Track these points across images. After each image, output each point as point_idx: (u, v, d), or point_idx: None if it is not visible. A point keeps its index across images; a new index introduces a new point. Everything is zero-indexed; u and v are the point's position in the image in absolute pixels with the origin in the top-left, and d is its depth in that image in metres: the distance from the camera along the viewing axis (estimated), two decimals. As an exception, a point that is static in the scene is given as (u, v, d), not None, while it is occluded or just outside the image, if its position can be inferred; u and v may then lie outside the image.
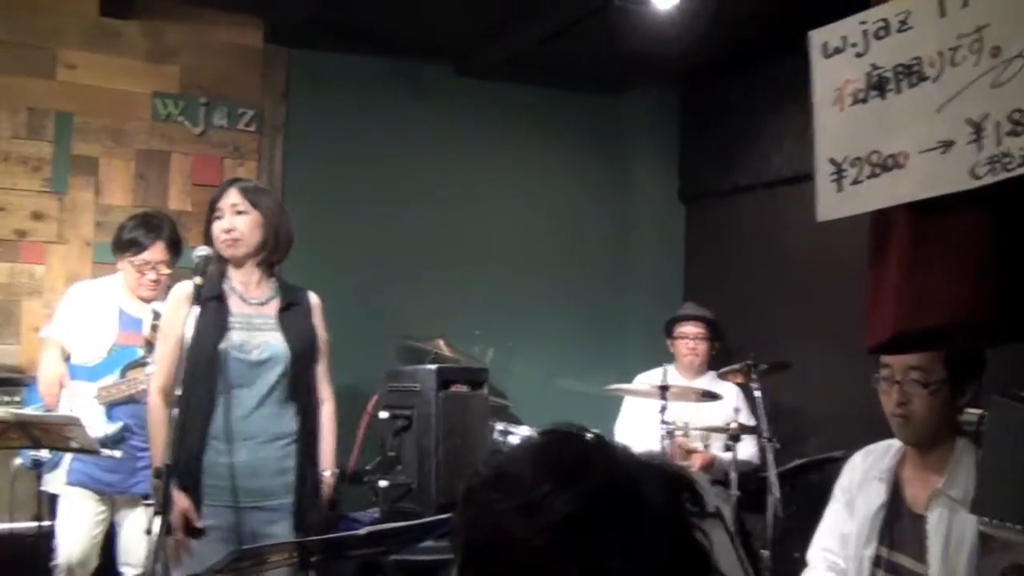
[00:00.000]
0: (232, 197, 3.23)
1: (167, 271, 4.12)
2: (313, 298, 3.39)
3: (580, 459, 1.13)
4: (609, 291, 6.07)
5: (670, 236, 6.27)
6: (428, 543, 3.12)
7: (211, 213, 3.27)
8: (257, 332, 3.19)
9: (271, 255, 3.30)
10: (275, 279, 3.35)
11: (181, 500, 3.05)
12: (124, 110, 5.09)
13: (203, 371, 3.11)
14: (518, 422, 4.92)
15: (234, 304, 3.22)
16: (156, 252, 4.07)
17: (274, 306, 3.28)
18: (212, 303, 3.17)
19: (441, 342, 5.10)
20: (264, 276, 3.30)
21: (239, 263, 3.25)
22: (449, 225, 5.66)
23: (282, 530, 3.16)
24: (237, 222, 3.21)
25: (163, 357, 3.26)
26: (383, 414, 4.68)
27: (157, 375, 3.28)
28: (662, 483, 1.14)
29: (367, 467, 4.84)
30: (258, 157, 5.29)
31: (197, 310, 3.07)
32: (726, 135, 5.89)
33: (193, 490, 3.10)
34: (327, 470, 3.31)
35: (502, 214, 5.83)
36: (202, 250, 3.16)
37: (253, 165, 5.27)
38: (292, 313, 3.29)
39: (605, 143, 6.18)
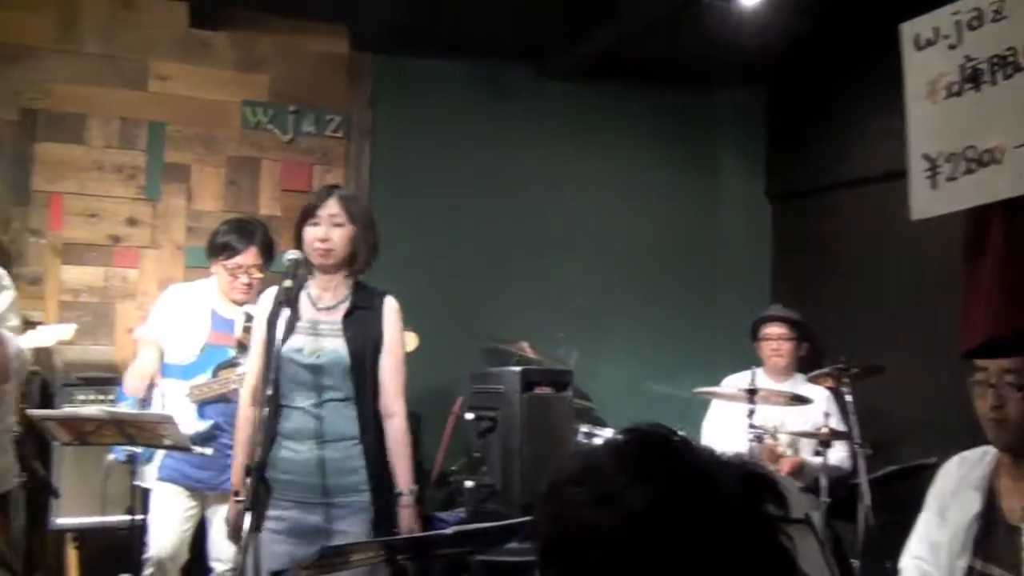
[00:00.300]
0: (332, 207, 3.23)
1: (259, 275, 4.19)
2: (389, 303, 3.35)
3: (658, 454, 1.14)
4: (696, 292, 6.00)
5: (758, 236, 6.17)
6: (514, 544, 3.11)
7: (306, 217, 3.26)
8: (319, 337, 3.23)
9: (357, 267, 3.32)
10: (352, 283, 3.36)
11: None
12: (215, 119, 5.22)
13: (274, 375, 3.17)
14: (603, 424, 4.89)
15: (304, 309, 3.27)
16: (249, 256, 4.15)
17: (342, 310, 3.30)
18: (287, 308, 3.21)
19: (525, 344, 5.11)
20: (344, 282, 3.33)
21: (326, 271, 3.28)
22: (534, 227, 5.66)
23: (350, 527, 3.20)
24: (333, 233, 3.22)
25: (253, 360, 3.34)
26: (468, 415, 4.72)
27: (249, 377, 3.36)
28: (742, 482, 1.13)
29: (453, 468, 4.88)
30: (345, 162, 5.37)
31: (287, 312, 3.11)
32: (815, 132, 5.78)
33: (263, 487, 3.17)
34: (403, 491, 3.24)
35: (587, 215, 5.81)
36: (292, 254, 3.20)
37: (340, 171, 5.35)
38: (359, 318, 3.29)
39: (691, 141, 6.11)
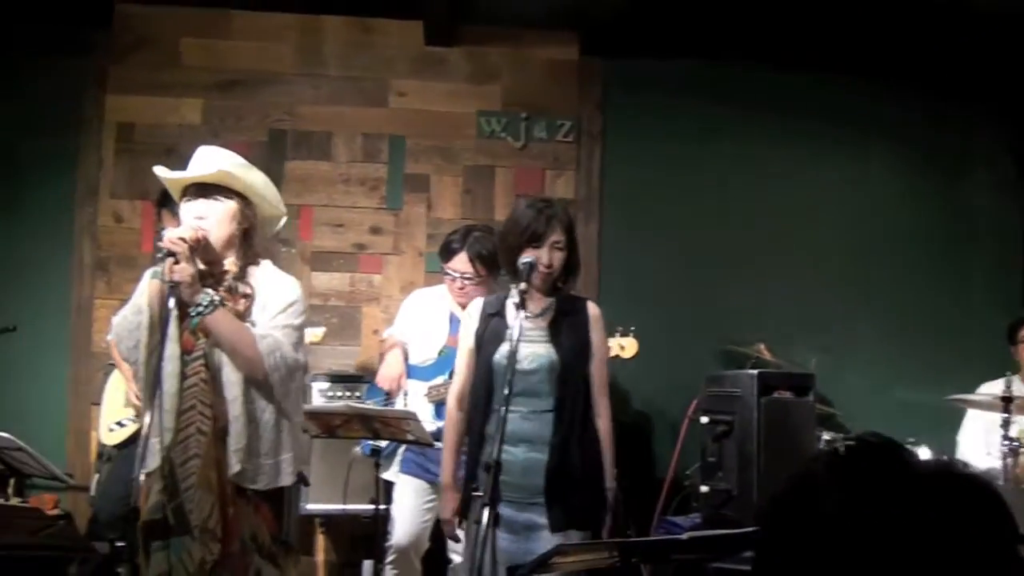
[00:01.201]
0: (557, 234, 3.30)
1: (474, 282, 4.28)
2: (592, 308, 3.42)
3: (876, 470, 1.10)
4: (944, 292, 5.62)
5: (1014, 234, 5.72)
6: (750, 553, 3.02)
7: (530, 242, 3.29)
8: (529, 344, 3.26)
9: (564, 280, 3.39)
10: (555, 292, 3.42)
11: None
12: (451, 130, 5.41)
13: (482, 379, 3.30)
14: (846, 432, 4.68)
15: (511, 317, 3.31)
16: (459, 263, 4.23)
17: (548, 317, 3.35)
18: (495, 318, 3.34)
19: (762, 346, 4.97)
20: (546, 291, 3.39)
21: (537, 290, 3.35)
22: (769, 226, 5.49)
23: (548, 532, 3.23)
24: (555, 258, 3.31)
25: (460, 366, 3.47)
26: (703, 419, 4.64)
27: (454, 381, 3.48)
28: (963, 502, 1.06)
29: (687, 472, 4.82)
30: (576, 166, 5.42)
31: (522, 315, 3.18)
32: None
33: (469, 486, 3.31)
34: (606, 486, 3.29)
35: (824, 213, 5.57)
36: (526, 258, 3.26)
37: (571, 174, 5.41)
38: (565, 324, 3.34)
39: (941, 137, 5.73)
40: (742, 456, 4.44)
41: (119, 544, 2.70)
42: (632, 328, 4.47)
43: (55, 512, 3.36)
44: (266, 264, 3.26)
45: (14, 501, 3.91)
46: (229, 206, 3.12)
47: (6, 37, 5.32)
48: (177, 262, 2.93)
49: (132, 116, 5.34)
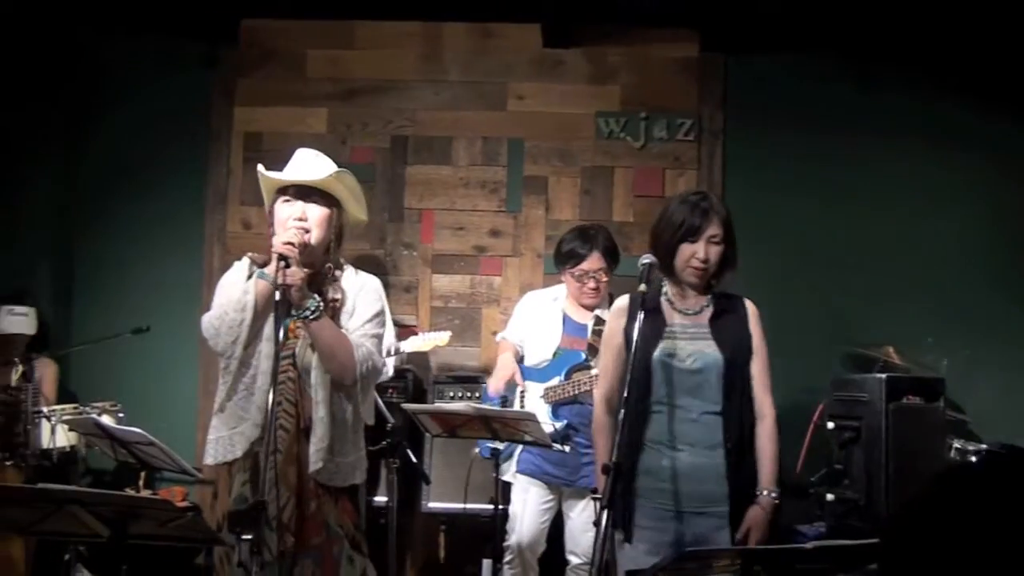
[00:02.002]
0: (714, 227, 3.15)
1: (605, 279, 4.28)
2: (750, 306, 3.28)
3: (1004, 478, 1.05)
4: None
5: None
6: (877, 566, 2.91)
7: (685, 236, 3.16)
8: (691, 341, 3.17)
9: (718, 276, 3.26)
10: (709, 289, 3.30)
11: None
12: (569, 132, 5.42)
13: (641, 379, 3.13)
14: (977, 440, 4.48)
15: (668, 314, 3.23)
16: (593, 261, 4.25)
17: (707, 315, 3.24)
18: (650, 314, 3.18)
19: (890, 349, 4.81)
20: (701, 288, 3.27)
21: (692, 287, 3.23)
22: (898, 225, 5.29)
23: (724, 538, 3.12)
24: (711, 253, 3.16)
25: (605, 366, 3.36)
26: (829, 424, 4.52)
27: (600, 382, 3.39)
28: None
29: (812, 479, 4.69)
30: (698, 165, 5.35)
31: (641, 317, 3.10)
32: None
33: (627, 492, 3.15)
34: (766, 490, 3.14)
35: (956, 210, 5.32)
36: (646, 258, 3.17)
37: (693, 174, 5.34)
38: (725, 321, 3.22)
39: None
40: (869, 464, 4.31)
41: (245, 537, 2.77)
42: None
43: (184, 504, 3.50)
44: (350, 269, 3.32)
45: (145, 493, 4.10)
46: (327, 210, 3.19)
47: (139, 54, 5.60)
48: (288, 266, 3.00)
49: (259, 126, 5.55)
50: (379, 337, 3.27)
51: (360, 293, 3.26)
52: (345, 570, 3.12)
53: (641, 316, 3.06)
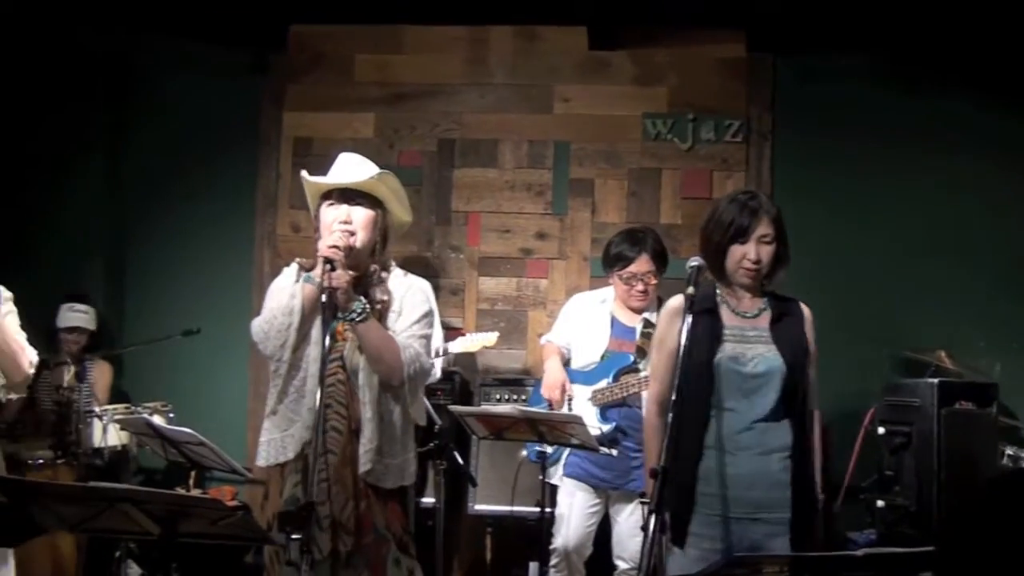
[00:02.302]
0: (764, 227, 3.08)
1: (654, 281, 4.26)
2: (805, 310, 3.21)
3: None
4: None
5: None
6: (929, 575, 2.86)
7: (736, 237, 3.10)
8: (751, 345, 3.12)
9: (771, 276, 3.21)
10: (764, 291, 3.25)
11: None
12: (616, 134, 5.41)
13: (697, 382, 3.05)
14: (1032, 446, 4.40)
15: (726, 316, 3.18)
16: (642, 264, 4.23)
17: (765, 319, 3.19)
18: (705, 316, 3.11)
19: (942, 354, 4.73)
20: (757, 290, 3.23)
21: (745, 288, 3.16)
22: (950, 227, 5.18)
23: (780, 545, 3.07)
24: (763, 252, 3.08)
25: (657, 368, 3.29)
26: (880, 430, 4.46)
27: (652, 385, 3.35)
28: None
29: (862, 484, 4.63)
30: (746, 166, 5.31)
31: (689, 320, 3.06)
32: None
33: (686, 497, 3.11)
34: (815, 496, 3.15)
35: (1010, 213, 5.23)
36: (694, 260, 3.12)
37: (741, 175, 5.30)
38: (784, 325, 3.14)
39: None
40: (921, 470, 4.25)
41: (295, 537, 2.80)
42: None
43: (234, 503, 3.53)
44: (397, 270, 3.33)
45: (195, 492, 4.15)
46: (371, 213, 3.21)
47: (190, 62, 5.70)
48: (334, 269, 3.02)
49: (308, 131, 5.62)
50: (427, 338, 3.28)
51: (407, 294, 3.27)
52: (392, 572, 3.14)
53: (690, 319, 3.02)
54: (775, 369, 3.07)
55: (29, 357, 3.43)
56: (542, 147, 5.47)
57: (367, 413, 3.10)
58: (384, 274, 3.28)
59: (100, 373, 5.28)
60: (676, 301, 3.23)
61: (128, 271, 5.78)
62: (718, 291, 3.20)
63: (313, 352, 3.10)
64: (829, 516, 4.59)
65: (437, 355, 4.55)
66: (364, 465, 3.08)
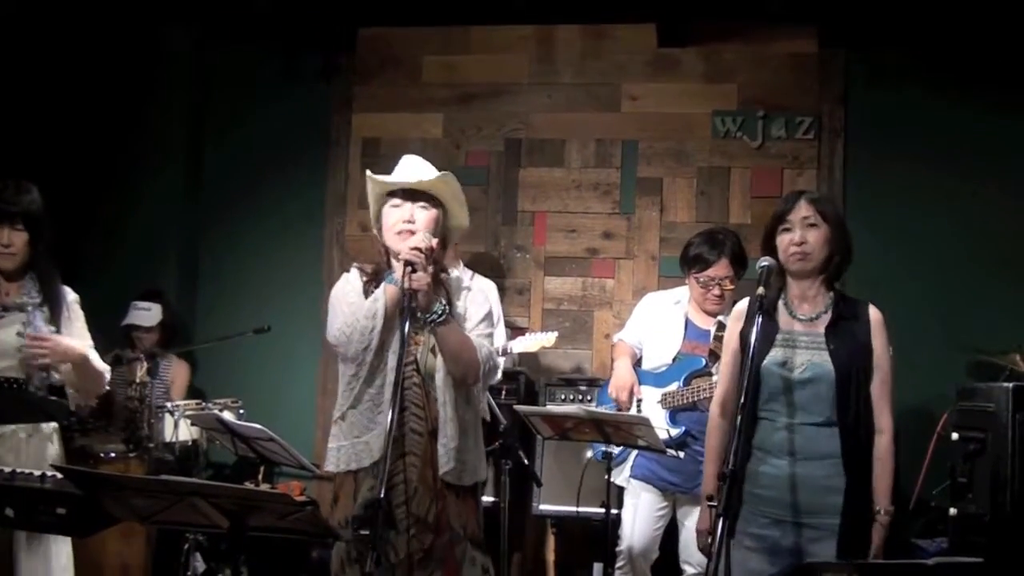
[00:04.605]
0: (803, 209, 3.10)
1: (731, 287, 4.20)
2: (873, 313, 3.14)
3: None
4: None
5: None
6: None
7: (776, 224, 3.15)
8: (802, 350, 3.08)
9: (835, 271, 3.16)
10: (832, 293, 3.20)
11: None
12: (685, 132, 5.37)
13: (749, 385, 3.02)
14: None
15: (783, 320, 3.14)
16: (720, 268, 4.17)
17: (824, 322, 3.14)
18: (764, 319, 3.08)
19: (1017, 357, 4.60)
20: (822, 290, 3.18)
21: (803, 276, 3.15)
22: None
23: (824, 550, 3.02)
24: (808, 235, 3.08)
25: (723, 371, 3.31)
26: (953, 436, 4.35)
27: (718, 387, 3.35)
28: None
29: (934, 492, 4.53)
30: (817, 164, 5.22)
31: (761, 322, 3.03)
32: None
33: (736, 497, 3.09)
34: (881, 508, 3.04)
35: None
36: (764, 261, 3.10)
37: (812, 173, 5.21)
38: (843, 329, 3.10)
39: None
40: (995, 478, 4.12)
41: (362, 532, 2.82)
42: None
43: (301, 499, 3.57)
44: (459, 270, 3.34)
45: (264, 487, 4.20)
46: (433, 213, 3.22)
47: (262, 67, 5.82)
48: (415, 271, 3.04)
49: (377, 132, 5.68)
50: (490, 337, 3.32)
51: (469, 295, 3.32)
52: (467, 571, 3.15)
53: (759, 320, 2.99)
54: (824, 376, 3.04)
55: (105, 376, 3.54)
56: (609, 146, 5.45)
57: (444, 413, 3.13)
58: (444, 275, 3.29)
59: (178, 372, 5.40)
60: (742, 305, 3.26)
61: (202, 270, 5.90)
62: (784, 292, 3.17)
63: (391, 361, 3.10)
64: (899, 527, 4.49)
65: (501, 353, 4.55)
66: (446, 464, 3.10)
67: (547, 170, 5.49)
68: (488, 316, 3.31)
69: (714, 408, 3.31)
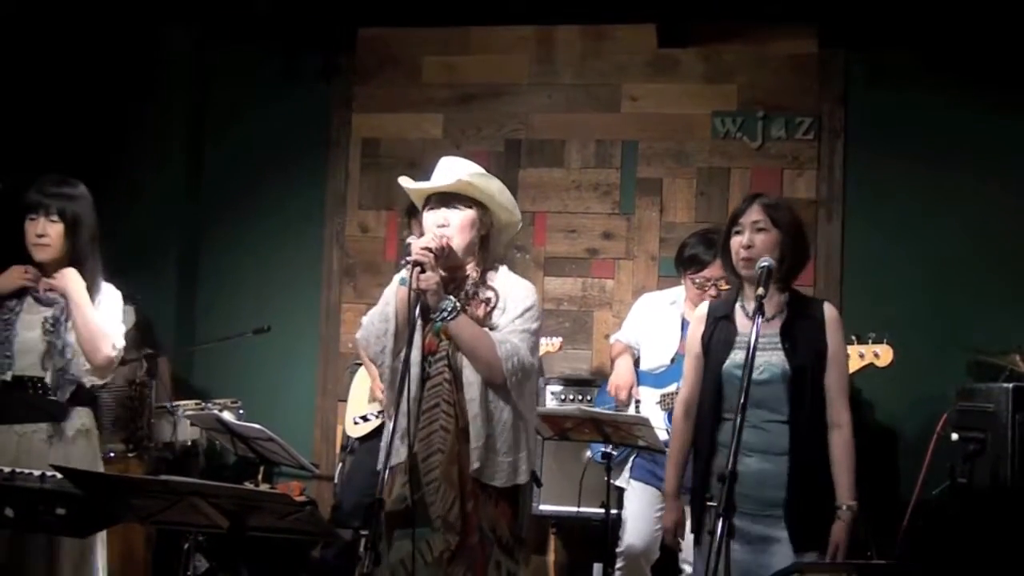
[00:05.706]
0: (755, 214, 3.16)
1: (727, 287, 4.19)
2: (828, 310, 3.20)
3: None
4: None
5: None
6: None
7: (730, 227, 3.22)
8: (760, 352, 3.09)
9: (785, 275, 3.19)
10: (787, 294, 3.22)
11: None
12: (684, 132, 5.37)
13: (710, 388, 3.17)
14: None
15: (740, 322, 3.19)
16: (716, 269, 4.15)
17: (778, 322, 3.16)
18: (723, 322, 3.20)
19: (1017, 357, 4.59)
20: (776, 292, 3.20)
21: (751, 280, 3.16)
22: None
23: (783, 544, 3.06)
24: (756, 239, 3.13)
25: (686, 373, 3.36)
26: (953, 436, 4.35)
27: (681, 390, 3.38)
28: None
29: (933, 492, 4.53)
30: (817, 165, 5.21)
31: (759, 322, 3.03)
32: None
33: (701, 495, 3.17)
34: (843, 504, 3.06)
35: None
36: (764, 261, 3.08)
37: (812, 174, 5.20)
38: (797, 328, 3.15)
39: None
40: (995, 478, 4.13)
41: (362, 531, 2.82)
42: (887, 334, 4.25)
43: (301, 499, 3.58)
44: (503, 269, 3.33)
45: (263, 487, 4.21)
46: (468, 214, 3.20)
47: (262, 67, 5.81)
48: (423, 271, 3.04)
49: (377, 132, 5.69)
50: (529, 332, 3.21)
51: (511, 291, 3.26)
52: (490, 574, 3.12)
53: (759, 320, 3.00)
54: (780, 376, 3.09)
55: (112, 340, 3.48)
56: (609, 147, 5.44)
57: (473, 410, 3.10)
58: (490, 273, 3.28)
59: (161, 370, 5.38)
60: (702, 309, 3.37)
61: (202, 270, 5.90)
62: (741, 297, 3.21)
63: (413, 355, 3.09)
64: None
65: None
66: (473, 463, 3.08)
67: (547, 170, 5.49)
68: (530, 310, 3.22)
69: (678, 410, 3.36)
